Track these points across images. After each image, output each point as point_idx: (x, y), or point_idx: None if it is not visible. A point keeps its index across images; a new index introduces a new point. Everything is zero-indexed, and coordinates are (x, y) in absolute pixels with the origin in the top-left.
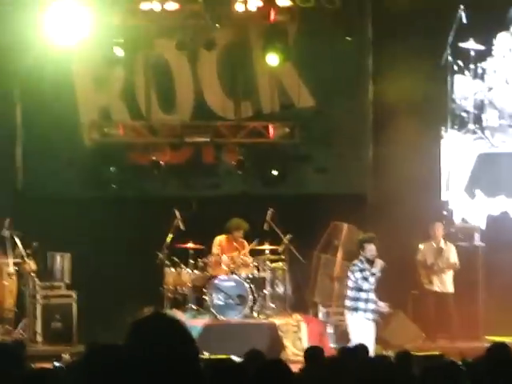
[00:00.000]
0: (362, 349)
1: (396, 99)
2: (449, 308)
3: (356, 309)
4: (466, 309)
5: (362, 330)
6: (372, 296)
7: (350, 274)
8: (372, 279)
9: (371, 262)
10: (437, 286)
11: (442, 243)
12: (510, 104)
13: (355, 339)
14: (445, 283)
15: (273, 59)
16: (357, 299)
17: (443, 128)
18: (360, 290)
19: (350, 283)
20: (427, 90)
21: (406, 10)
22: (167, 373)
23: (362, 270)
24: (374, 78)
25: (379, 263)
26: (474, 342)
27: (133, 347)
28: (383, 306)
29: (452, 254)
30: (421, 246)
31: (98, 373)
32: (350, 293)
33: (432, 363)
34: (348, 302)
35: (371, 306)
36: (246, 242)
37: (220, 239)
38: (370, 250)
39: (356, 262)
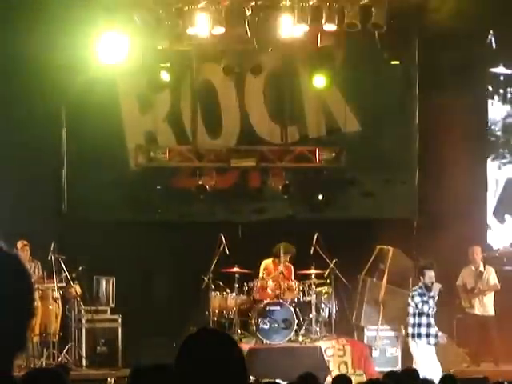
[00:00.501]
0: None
1: (442, 124)
2: (491, 331)
3: (419, 335)
4: (509, 332)
5: (425, 356)
6: (432, 321)
7: (409, 300)
8: (431, 302)
9: (429, 288)
10: (477, 309)
11: (481, 267)
12: None
13: (420, 365)
14: (485, 306)
15: (319, 83)
16: (419, 325)
17: (487, 153)
18: (421, 314)
19: (411, 309)
20: (471, 116)
21: (447, 36)
22: None
23: (421, 295)
24: (421, 102)
25: (437, 286)
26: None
27: (183, 363)
28: (441, 336)
29: (492, 277)
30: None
31: None
32: (411, 319)
33: None
34: (410, 329)
35: (433, 330)
36: (292, 267)
37: (266, 263)
38: (430, 276)
39: (415, 287)
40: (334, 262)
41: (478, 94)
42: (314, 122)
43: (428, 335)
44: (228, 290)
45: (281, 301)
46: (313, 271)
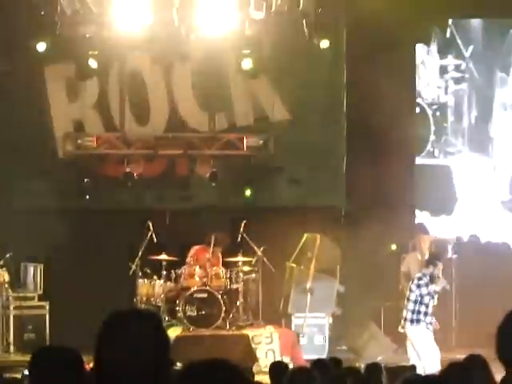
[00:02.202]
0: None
1: (370, 111)
2: None
3: (418, 320)
4: (440, 321)
5: (425, 339)
6: (430, 311)
7: (414, 287)
8: (435, 298)
9: (434, 279)
10: None
11: (427, 255)
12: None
13: (421, 348)
14: None
15: (247, 71)
16: (418, 312)
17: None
18: (422, 304)
19: (413, 296)
20: (401, 101)
21: (378, 24)
22: (136, 375)
23: (427, 285)
24: (348, 90)
25: (443, 282)
26: (447, 354)
27: (102, 349)
28: (434, 323)
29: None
30: (405, 257)
31: (46, 374)
32: (411, 305)
33: (405, 375)
34: (409, 314)
35: (429, 319)
36: (220, 254)
37: (194, 250)
38: (440, 268)
39: (420, 275)
40: (261, 249)
41: (408, 79)
42: (242, 109)
43: (425, 322)
44: (155, 277)
45: (208, 288)
46: (240, 259)
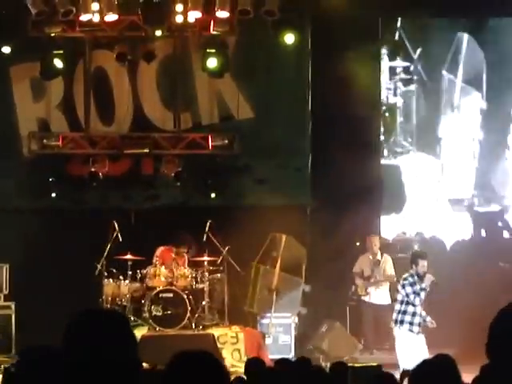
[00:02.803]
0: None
1: (335, 109)
2: (386, 319)
3: (402, 321)
4: None
5: (405, 343)
6: (419, 310)
7: (400, 288)
8: (423, 294)
9: (421, 278)
10: (374, 298)
11: (379, 255)
12: None
13: (399, 351)
14: (381, 295)
15: (212, 70)
16: (404, 312)
17: (383, 138)
18: (408, 303)
19: (400, 297)
20: (365, 100)
21: (344, 21)
22: (102, 375)
23: (412, 285)
24: (313, 88)
25: (429, 278)
26: None
27: (68, 349)
28: (430, 321)
29: (388, 266)
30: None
31: (32, 373)
32: (397, 306)
33: (370, 374)
34: (394, 315)
35: (417, 319)
36: (185, 254)
37: (160, 250)
38: (423, 266)
39: (406, 275)
40: (226, 249)
41: (372, 76)
42: (207, 109)
43: (411, 323)
44: (121, 277)
45: (174, 288)
46: (206, 258)
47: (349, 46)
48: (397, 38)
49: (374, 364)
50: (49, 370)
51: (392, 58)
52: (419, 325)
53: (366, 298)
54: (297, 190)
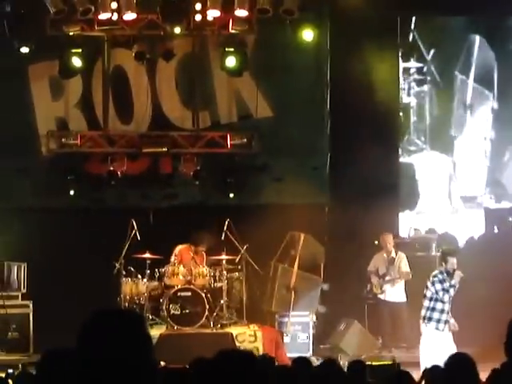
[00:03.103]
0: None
1: (353, 108)
2: (402, 317)
3: (430, 319)
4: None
5: (431, 341)
6: (447, 307)
7: (429, 284)
8: (452, 291)
9: (450, 275)
10: (389, 296)
11: (393, 253)
12: None
13: (423, 349)
14: (397, 293)
15: (231, 69)
16: (433, 309)
17: (401, 138)
18: (437, 300)
19: (429, 293)
20: (384, 100)
21: (362, 20)
22: (116, 376)
23: (442, 282)
24: (332, 87)
25: (458, 275)
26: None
27: (83, 349)
28: (453, 324)
29: (403, 264)
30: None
31: (53, 375)
32: (426, 303)
33: (388, 372)
34: (423, 312)
35: (445, 316)
36: (204, 252)
37: (178, 249)
38: (452, 263)
39: (435, 272)
40: (245, 247)
41: (392, 73)
42: (226, 107)
43: (439, 321)
44: (139, 276)
45: (192, 287)
46: (224, 257)
47: (367, 44)
48: (411, 39)
49: (392, 362)
50: (69, 372)
51: (406, 59)
52: (445, 322)
53: (382, 296)
54: (315, 188)
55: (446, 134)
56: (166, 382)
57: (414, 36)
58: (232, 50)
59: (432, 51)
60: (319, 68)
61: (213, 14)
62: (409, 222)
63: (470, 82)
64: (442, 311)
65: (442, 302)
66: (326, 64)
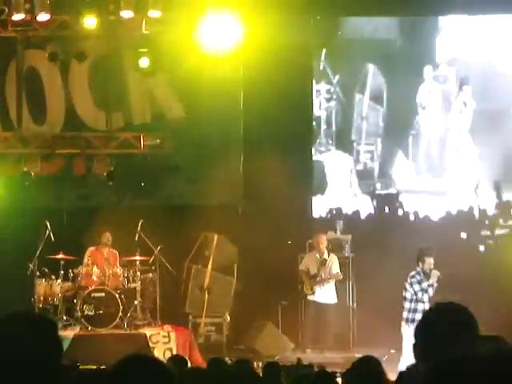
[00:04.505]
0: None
1: (266, 109)
2: (329, 318)
3: (413, 320)
4: (340, 320)
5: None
6: (428, 307)
7: (407, 286)
8: (431, 291)
9: (427, 275)
10: (318, 297)
11: (326, 254)
12: None
13: (407, 350)
14: (327, 294)
15: (144, 69)
16: (415, 310)
17: (313, 138)
18: (418, 301)
19: (408, 295)
20: (299, 111)
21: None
22: (20, 378)
23: (420, 282)
24: (246, 88)
25: (435, 274)
26: (344, 353)
27: None
28: None
29: (335, 265)
30: (304, 257)
31: None
32: (407, 304)
33: (302, 372)
34: (405, 314)
35: None
36: (117, 253)
37: (91, 250)
38: (429, 263)
39: (413, 273)
40: (158, 248)
41: (304, 77)
42: (139, 108)
43: None
44: (53, 277)
45: (106, 287)
46: (138, 258)
47: (280, 41)
48: (321, 68)
49: (306, 363)
50: None
51: (318, 81)
52: None
53: (312, 297)
54: (228, 189)
55: (348, 138)
56: (79, 382)
57: (324, 65)
58: (145, 50)
59: (337, 77)
60: (233, 68)
61: (126, 14)
62: (320, 205)
63: (366, 99)
64: (423, 311)
65: (422, 302)
66: (240, 63)
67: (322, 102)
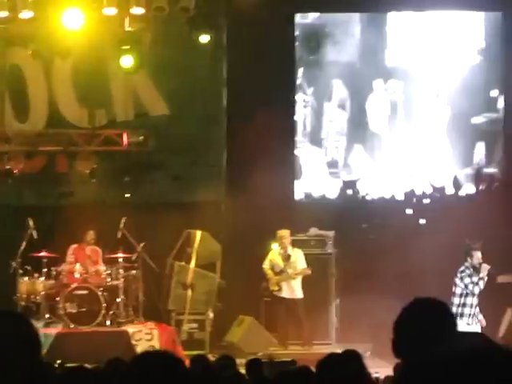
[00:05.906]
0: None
1: (249, 106)
2: (299, 314)
3: (462, 315)
4: (318, 315)
5: None
6: (476, 301)
7: (458, 281)
8: (481, 284)
9: (477, 269)
10: (285, 293)
11: (290, 250)
12: None
13: None
14: (294, 289)
15: (127, 66)
16: (463, 305)
17: (297, 135)
18: (468, 295)
19: (458, 290)
20: (281, 96)
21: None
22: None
23: (470, 276)
24: (228, 84)
25: (486, 267)
26: (326, 348)
27: None
28: (481, 320)
29: (300, 260)
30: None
31: None
32: (456, 300)
33: (284, 368)
34: (454, 309)
35: (474, 310)
36: (100, 251)
37: (73, 248)
38: (478, 257)
39: (462, 268)
40: (141, 245)
41: (287, 74)
42: (122, 105)
43: (469, 315)
44: (36, 275)
45: (88, 285)
46: (120, 255)
47: (262, 45)
48: (299, 82)
49: (289, 359)
50: None
51: (296, 93)
52: (474, 316)
53: (278, 293)
54: (211, 186)
55: (319, 137)
56: (62, 381)
57: (301, 80)
58: (128, 47)
59: (311, 89)
60: (216, 66)
61: (109, 11)
62: (298, 189)
63: (333, 106)
64: (472, 305)
65: (473, 294)
66: (223, 62)
67: (300, 109)
